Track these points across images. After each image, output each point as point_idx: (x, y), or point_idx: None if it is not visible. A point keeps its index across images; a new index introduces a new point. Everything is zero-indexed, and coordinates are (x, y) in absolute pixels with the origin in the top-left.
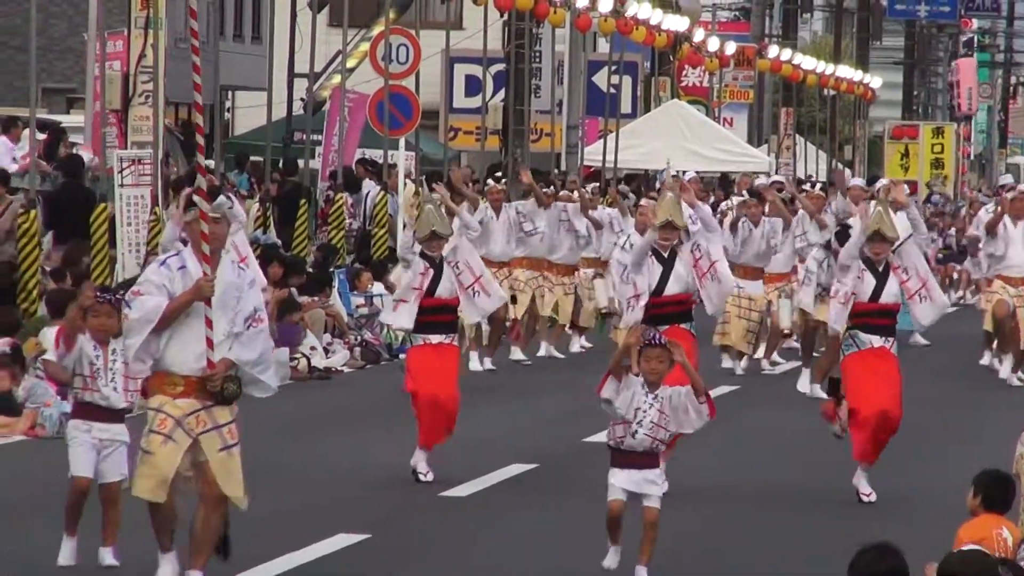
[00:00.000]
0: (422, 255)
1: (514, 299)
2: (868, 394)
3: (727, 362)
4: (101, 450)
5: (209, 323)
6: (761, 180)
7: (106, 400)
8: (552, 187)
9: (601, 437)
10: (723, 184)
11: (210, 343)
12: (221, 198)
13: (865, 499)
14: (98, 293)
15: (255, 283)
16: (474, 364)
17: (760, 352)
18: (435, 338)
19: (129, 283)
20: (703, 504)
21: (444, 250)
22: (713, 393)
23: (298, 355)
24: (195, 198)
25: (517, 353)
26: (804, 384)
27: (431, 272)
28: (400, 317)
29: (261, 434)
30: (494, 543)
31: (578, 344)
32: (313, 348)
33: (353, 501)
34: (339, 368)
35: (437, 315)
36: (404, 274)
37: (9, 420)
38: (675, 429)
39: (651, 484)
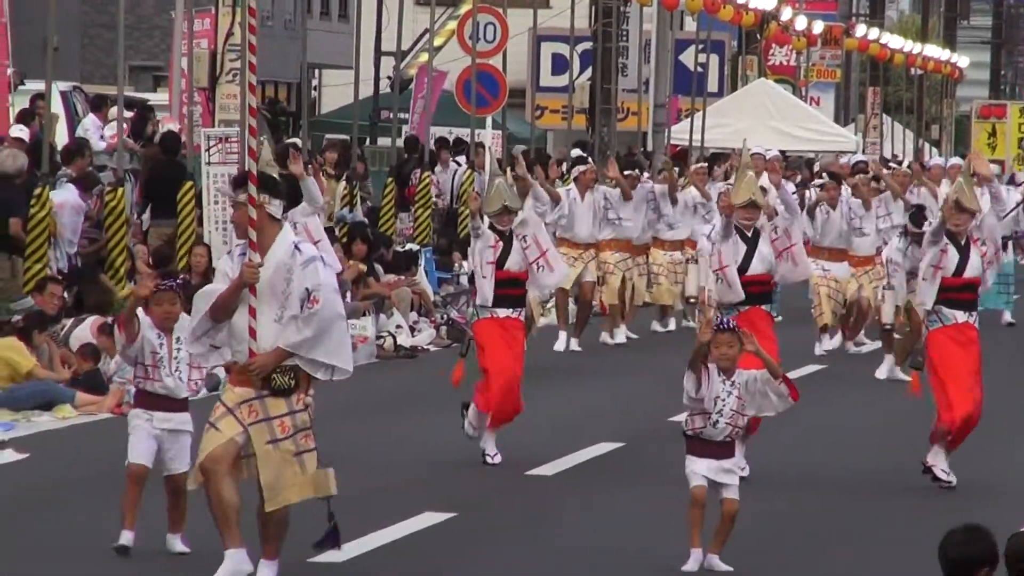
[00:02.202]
0: (491, 228)
1: (601, 280)
2: (957, 391)
3: (819, 347)
4: (164, 440)
5: (252, 312)
6: (843, 160)
7: (167, 389)
8: (638, 169)
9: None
10: (808, 165)
11: (252, 332)
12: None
13: (944, 477)
14: (160, 281)
15: (312, 263)
16: (559, 344)
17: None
18: (502, 312)
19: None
20: (784, 488)
21: (513, 224)
22: (799, 373)
23: (384, 333)
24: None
25: (619, 336)
26: (883, 371)
27: (500, 245)
28: (481, 292)
29: (348, 413)
30: (580, 522)
31: (658, 325)
32: (399, 327)
33: (439, 480)
34: (425, 347)
35: (505, 288)
36: (474, 243)
37: (96, 398)
38: (754, 413)
39: (730, 474)
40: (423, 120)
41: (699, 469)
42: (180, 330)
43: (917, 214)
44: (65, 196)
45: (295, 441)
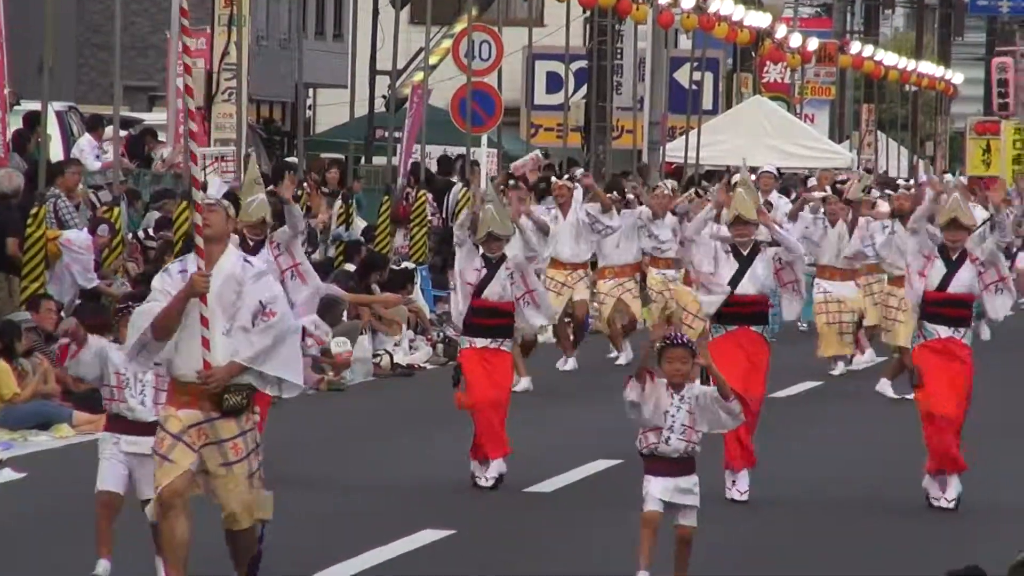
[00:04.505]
0: (482, 254)
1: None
2: (935, 398)
3: (839, 369)
4: (134, 466)
5: (205, 322)
6: (852, 187)
7: (132, 412)
8: (624, 197)
9: None
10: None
11: (206, 343)
12: (212, 187)
13: (935, 503)
14: (128, 303)
15: (263, 276)
16: (561, 363)
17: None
18: (480, 342)
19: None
20: (783, 506)
21: (507, 252)
22: (795, 390)
23: (381, 352)
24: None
25: (622, 357)
26: (884, 386)
27: (484, 272)
28: (453, 305)
29: (346, 430)
30: (580, 539)
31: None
32: (397, 344)
33: (438, 497)
34: (422, 364)
35: (483, 318)
36: (457, 255)
37: (94, 416)
38: (708, 429)
39: (687, 494)
40: (411, 138)
41: (655, 491)
42: None
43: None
44: (76, 235)
45: (249, 463)
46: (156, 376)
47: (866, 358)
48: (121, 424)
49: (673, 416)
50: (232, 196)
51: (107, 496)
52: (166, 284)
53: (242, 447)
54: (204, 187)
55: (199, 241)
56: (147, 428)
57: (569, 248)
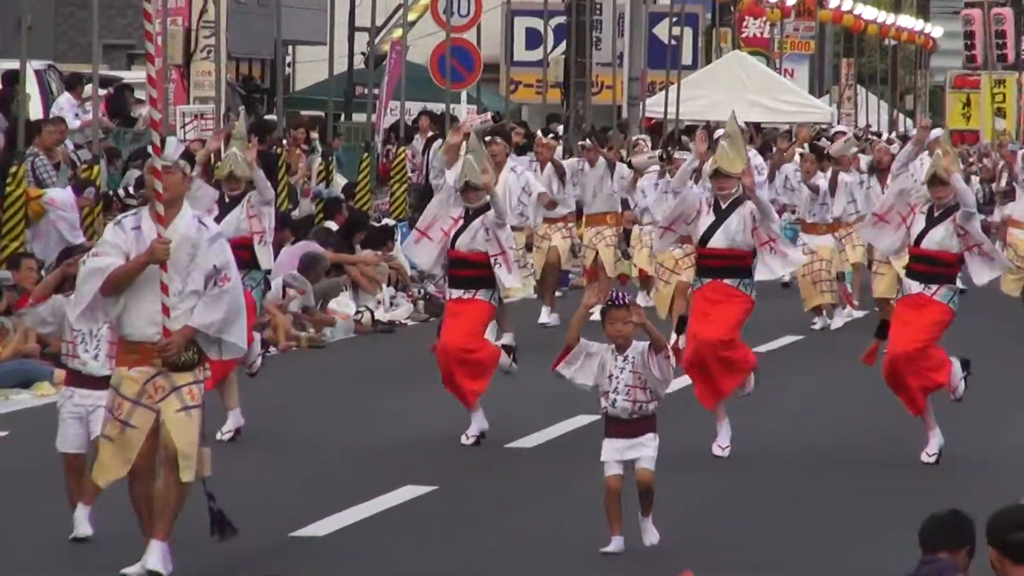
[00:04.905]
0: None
1: (575, 252)
2: (891, 342)
3: (819, 323)
4: (90, 418)
5: (165, 289)
6: (838, 145)
7: (84, 366)
8: (610, 148)
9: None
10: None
11: (166, 310)
12: (170, 147)
13: (927, 459)
14: (72, 255)
15: (218, 239)
16: (543, 317)
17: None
18: (455, 292)
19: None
20: (769, 464)
21: (480, 201)
22: (775, 345)
23: (362, 308)
24: (152, 155)
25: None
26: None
27: (461, 222)
28: (419, 253)
29: (327, 387)
30: (561, 495)
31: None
32: (378, 302)
33: (419, 453)
34: (403, 321)
35: (457, 268)
36: (435, 198)
37: None
38: (652, 387)
39: (639, 447)
40: (387, 95)
41: (610, 455)
42: None
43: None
44: (59, 193)
45: (202, 412)
46: (111, 330)
47: (846, 312)
48: (75, 378)
49: (617, 377)
50: (188, 155)
51: (69, 457)
52: (118, 239)
53: (197, 394)
54: (163, 147)
55: (158, 208)
56: (99, 383)
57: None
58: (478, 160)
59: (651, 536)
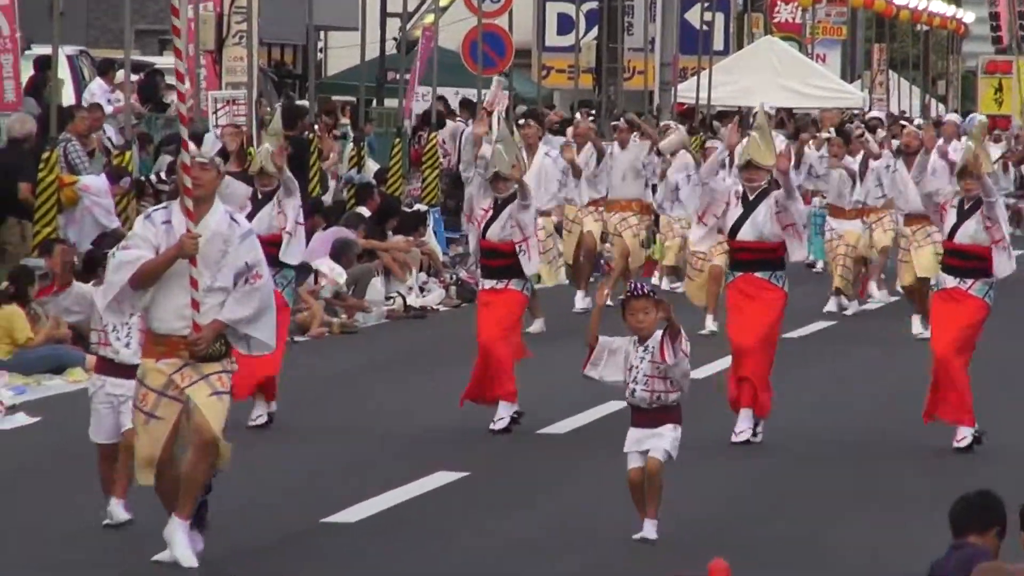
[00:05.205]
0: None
1: (604, 238)
2: (933, 341)
3: (831, 305)
4: (120, 408)
5: (194, 283)
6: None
7: (117, 355)
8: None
9: (698, 373)
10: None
11: (196, 305)
12: (206, 144)
13: (956, 444)
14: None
15: (249, 236)
16: (578, 304)
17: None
18: (487, 283)
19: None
20: (794, 450)
21: (509, 191)
22: (809, 330)
23: (394, 294)
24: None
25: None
26: (918, 326)
27: (491, 212)
28: (472, 238)
29: (360, 374)
30: (592, 480)
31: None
32: (410, 288)
33: (451, 439)
34: (435, 307)
35: (488, 258)
36: (467, 188)
37: None
38: (673, 376)
39: (653, 438)
40: (412, 80)
41: (630, 445)
42: None
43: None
44: (93, 180)
45: (230, 400)
46: (142, 319)
47: (879, 297)
48: (107, 366)
49: (637, 367)
50: (223, 153)
51: (104, 448)
52: (148, 232)
53: (227, 381)
54: (200, 143)
55: (188, 203)
56: (131, 371)
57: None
58: (508, 150)
59: (649, 533)
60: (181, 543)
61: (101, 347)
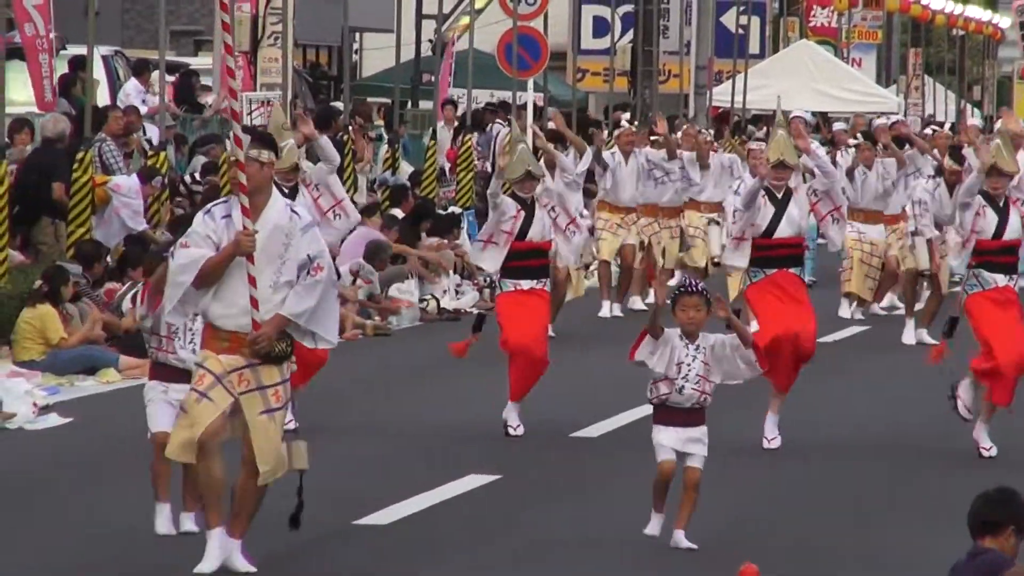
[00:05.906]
0: (512, 196)
1: (642, 245)
2: (1003, 341)
3: (844, 310)
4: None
5: (253, 281)
6: (880, 121)
7: (182, 362)
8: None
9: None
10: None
11: (255, 303)
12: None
13: (986, 453)
14: (163, 252)
15: (311, 228)
16: (604, 311)
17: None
18: (526, 283)
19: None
20: (814, 456)
21: (536, 191)
22: (832, 338)
23: (428, 296)
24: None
25: (637, 302)
26: (909, 336)
27: (522, 215)
28: (487, 258)
29: (391, 375)
30: (624, 483)
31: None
32: (444, 290)
33: (483, 442)
34: (468, 309)
35: (527, 259)
36: (492, 213)
37: (140, 361)
38: (720, 380)
39: (695, 443)
40: (443, 83)
41: (666, 441)
42: None
43: (955, 151)
44: (124, 180)
45: (285, 412)
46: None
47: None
48: (169, 373)
49: (688, 366)
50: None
51: (164, 436)
52: (208, 228)
53: (283, 394)
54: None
55: (244, 200)
56: None
57: (628, 192)
58: (530, 148)
59: (681, 542)
60: (241, 564)
61: (161, 353)
